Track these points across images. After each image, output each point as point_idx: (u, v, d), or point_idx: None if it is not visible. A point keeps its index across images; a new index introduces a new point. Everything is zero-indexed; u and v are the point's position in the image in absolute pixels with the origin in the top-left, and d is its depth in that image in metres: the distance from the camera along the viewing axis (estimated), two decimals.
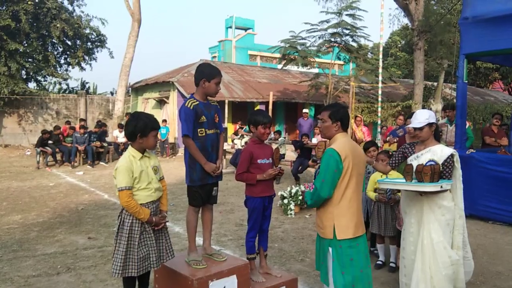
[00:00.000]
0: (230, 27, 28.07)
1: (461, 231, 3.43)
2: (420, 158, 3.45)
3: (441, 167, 3.27)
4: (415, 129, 3.47)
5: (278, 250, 5.27)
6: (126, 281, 3.06)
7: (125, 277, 2.99)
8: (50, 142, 13.14)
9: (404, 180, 3.42)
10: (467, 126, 7.55)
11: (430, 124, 3.42)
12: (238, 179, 3.52)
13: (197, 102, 3.26)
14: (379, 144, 8.02)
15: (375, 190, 4.77)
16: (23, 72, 18.91)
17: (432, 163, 3.24)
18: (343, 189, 2.89)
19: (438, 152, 3.38)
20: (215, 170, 3.30)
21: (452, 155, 3.35)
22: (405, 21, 22.73)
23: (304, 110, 13.76)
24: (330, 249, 2.92)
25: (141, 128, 2.98)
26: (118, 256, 2.92)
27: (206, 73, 3.27)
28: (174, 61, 77.85)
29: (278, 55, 16.71)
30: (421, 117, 3.43)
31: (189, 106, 3.22)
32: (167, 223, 3.20)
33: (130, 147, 3.08)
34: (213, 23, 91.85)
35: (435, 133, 3.51)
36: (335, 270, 2.88)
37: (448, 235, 3.35)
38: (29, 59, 18.53)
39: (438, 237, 3.29)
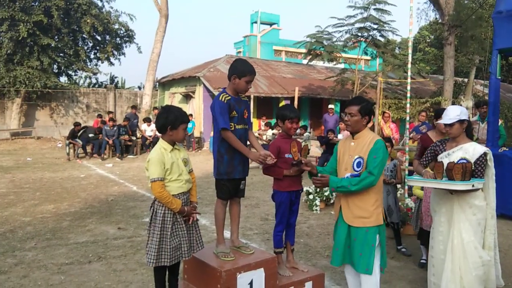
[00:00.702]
0: (255, 22, 28.01)
1: (493, 231, 3.33)
2: (451, 156, 3.35)
3: (473, 166, 3.18)
4: (445, 125, 3.38)
5: (304, 246, 5.28)
6: (157, 271, 3.14)
7: (156, 267, 3.07)
8: (91, 135, 13.56)
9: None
10: (499, 124, 7.35)
11: (461, 121, 3.30)
12: (265, 173, 3.54)
13: (230, 97, 3.27)
14: (406, 142, 7.89)
15: (422, 188, 4.71)
16: (55, 66, 19.48)
17: (464, 161, 3.15)
18: (381, 177, 3.15)
19: (470, 150, 3.28)
20: (260, 157, 3.21)
21: (485, 154, 3.24)
22: (433, 15, 22.21)
23: (330, 106, 13.67)
24: (378, 235, 3.10)
25: (171, 121, 3.04)
26: (152, 246, 3.00)
27: (238, 70, 3.26)
28: (200, 56, 78.43)
29: (303, 50, 16.59)
30: (452, 114, 3.33)
31: (223, 100, 3.23)
32: (196, 215, 3.26)
33: (160, 139, 3.15)
34: (239, 18, 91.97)
35: (467, 131, 3.41)
36: (380, 253, 3.13)
37: (479, 235, 3.25)
38: (61, 54, 19.05)
39: (469, 236, 3.21)
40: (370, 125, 3.32)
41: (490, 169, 3.31)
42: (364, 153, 3.08)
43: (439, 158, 3.45)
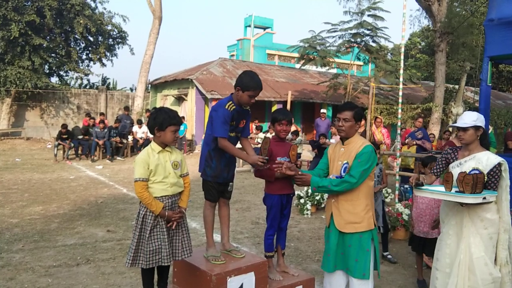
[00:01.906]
0: (249, 26, 28.04)
1: (506, 246, 3.13)
2: (463, 165, 3.18)
3: (486, 177, 3.00)
4: (458, 129, 3.19)
5: (295, 250, 5.26)
6: (145, 274, 3.09)
7: (144, 269, 3.02)
8: (79, 137, 13.47)
9: (443, 189, 3.12)
10: (489, 131, 7.41)
11: (476, 127, 3.13)
12: (257, 176, 3.51)
13: (235, 107, 3.26)
14: (398, 147, 7.92)
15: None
16: (46, 66, 19.29)
17: (476, 171, 2.99)
18: (371, 182, 3.18)
19: (484, 160, 3.10)
20: (259, 160, 3.16)
21: (499, 164, 3.05)
22: (426, 22, 22.44)
23: (322, 110, 13.71)
24: (372, 240, 3.11)
25: (159, 122, 3.03)
26: (131, 246, 2.98)
27: (243, 83, 3.22)
28: (193, 59, 78.40)
29: (296, 54, 16.64)
30: (468, 118, 3.16)
31: (229, 109, 3.22)
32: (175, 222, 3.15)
33: (152, 140, 3.15)
34: (232, 22, 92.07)
35: (482, 139, 3.23)
36: (374, 257, 3.14)
37: (490, 250, 3.09)
38: (52, 54, 18.89)
39: (479, 252, 3.05)
40: (361, 130, 3.33)
41: (505, 180, 3.11)
42: (351, 158, 3.09)
43: (451, 167, 3.29)
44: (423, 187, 3.28)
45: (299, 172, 3.19)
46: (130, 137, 14.84)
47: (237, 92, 3.25)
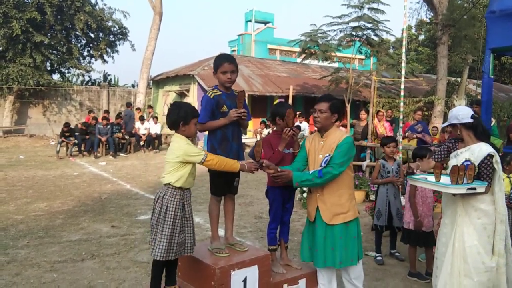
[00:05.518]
0: (250, 20, 27.97)
1: (503, 237, 3.16)
2: (459, 156, 3.27)
3: (477, 168, 3.09)
4: (451, 125, 3.30)
5: (298, 243, 5.28)
6: (158, 266, 3.04)
7: (159, 261, 2.97)
8: (76, 134, 13.48)
9: (434, 179, 3.22)
10: (492, 124, 7.39)
11: (464, 124, 3.23)
12: (275, 181, 3.35)
13: (220, 93, 3.29)
14: (400, 140, 7.90)
15: None
16: (48, 63, 19.31)
17: (468, 163, 3.07)
18: (352, 173, 3.26)
19: (476, 152, 3.17)
20: (235, 113, 3.19)
21: (490, 156, 3.11)
22: (425, 15, 22.33)
23: None
24: (357, 226, 3.19)
25: (183, 116, 2.99)
26: (163, 240, 2.92)
27: (214, 65, 3.29)
28: (194, 54, 78.25)
29: (297, 49, 16.57)
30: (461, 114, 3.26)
31: (210, 95, 3.26)
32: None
33: (176, 135, 3.07)
34: (233, 17, 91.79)
35: (475, 130, 3.27)
36: (358, 243, 3.19)
37: (484, 240, 3.12)
38: (54, 51, 18.90)
39: (471, 240, 3.11)
40: (338, 124, 3.33)
41: (497, 172, 3.16)
42: (332, 150, 3.10)
43: (451, 156, 3.39)
44: (415, 176, 3.38)
45: (278, 169, 3.10)
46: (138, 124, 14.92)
47: (215, 76, 3.32)
